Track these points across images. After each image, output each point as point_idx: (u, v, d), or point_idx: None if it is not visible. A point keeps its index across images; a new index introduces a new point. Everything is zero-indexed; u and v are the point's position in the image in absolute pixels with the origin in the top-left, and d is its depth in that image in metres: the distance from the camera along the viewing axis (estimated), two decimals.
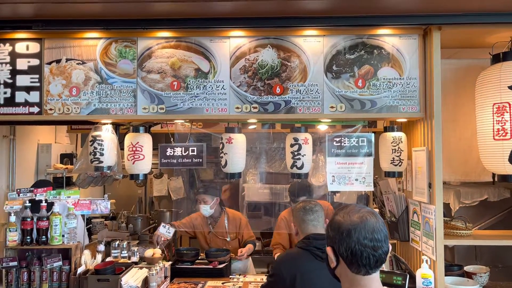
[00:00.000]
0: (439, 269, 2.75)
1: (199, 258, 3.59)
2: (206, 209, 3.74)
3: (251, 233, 3.84)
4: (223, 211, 3.86)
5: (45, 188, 3.06)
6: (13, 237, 2.90)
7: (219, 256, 3.48)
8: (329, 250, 1.43)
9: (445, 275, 2.79)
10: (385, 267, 2.95)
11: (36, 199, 2.99)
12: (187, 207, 4.81)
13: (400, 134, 3.10)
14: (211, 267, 3.37)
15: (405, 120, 3.20)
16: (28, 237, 2.93)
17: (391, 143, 3.07)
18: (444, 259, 2.77)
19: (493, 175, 3.00)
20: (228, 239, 3.78)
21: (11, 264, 2.87)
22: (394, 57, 2.91)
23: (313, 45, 2.94)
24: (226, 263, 3.44)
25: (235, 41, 2.95)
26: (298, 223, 2.53)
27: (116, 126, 3.40)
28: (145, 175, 3.20)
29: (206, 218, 3.84)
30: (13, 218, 2.92)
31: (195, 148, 3.28)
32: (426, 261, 2.75)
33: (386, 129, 3.15)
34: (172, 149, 3.28)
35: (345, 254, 1.38)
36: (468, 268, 3.09)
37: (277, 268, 2.37)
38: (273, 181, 4.21)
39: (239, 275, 3.46)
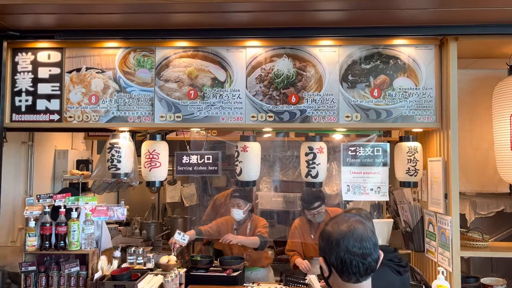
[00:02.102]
0: (455, 281, 2.72)
1: (213, 265, 3.60)
2: (239, 214, 3.75)
3: (262, 231, 3.74)
4: (249, 218, 3.87)
5: (64, 194, 3.11)
6: (33, 242, 2.95)
7: (233, 264, 3.49)
8: (321, 260, 1.46)
9: (461, 287, 2.77)
10: None
11: (56, 205, 3.04)
12: (200, 213, 4.83)
13: (416, 144, 3.09)
14: (225, 274, 3.38)
15: (420, 130, 3.19)
16: (47, 242, 2.97)
17: (407, 153, 3.06)
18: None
19: (511, 186, 2.98)
20: None
21: (30, 268, 2.92)
22: (410, 67, 2.92)
23: (328, 55, 2.96)
24: (240, 271, 3.45)
25: (251, 51, 2.99)
26: None
27: (133, 133, 3.45)
28: (161, 182, 3.24)
29: (233, 223, 3.84)
30: (32, 224, 2.98)
31: (210, 156, 3.31)
32: (442, 272, 2.72)
33: (401, 139, 3.14)
34: (188, 157, 3.31)
35: (335, 263, 1.40)
36: (484, 280, 3.06)
37: None
38: (286, 190, 4.21)
39: (253, 283, 3.46)
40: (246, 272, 3.79)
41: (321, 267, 1.47)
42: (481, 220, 3.50)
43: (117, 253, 3.18)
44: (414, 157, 3.05)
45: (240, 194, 3.79)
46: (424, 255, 3.17)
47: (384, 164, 3.13)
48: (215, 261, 3.65)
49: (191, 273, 3.41)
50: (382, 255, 1.47)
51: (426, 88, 2.91)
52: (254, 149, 3.18)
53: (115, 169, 3.12)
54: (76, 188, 4.57)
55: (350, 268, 1.38)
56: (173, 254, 3.41)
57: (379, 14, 2.68)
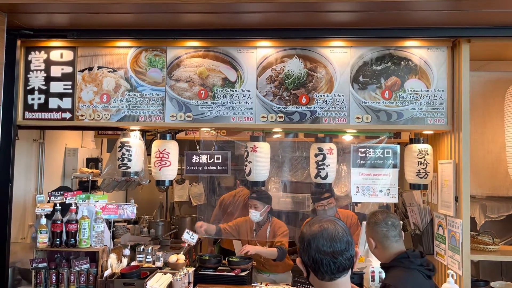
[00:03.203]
0: (465, 285, 2.71)
1: (222, 265, 3.61)
2: (256, 215, 3.73)
3: (283, 241, 3.72)
4: (269, 220, 3.83)
5: (75, 192, 3.14)
6: (44, 239, 2.98)
7: (241, 264, 3.50)
8: (298, 261, 1.52)
9: None
10: None
11: (66, 202, 3.07)
12: (208, 213, 4.85)
13: (426, 146, 3.07)
14: (234, 274, 3.39)
15: (431, 132, 3.17)
16: (58, 239, 3.00)
17: (417, 155, 3.05)
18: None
19: None
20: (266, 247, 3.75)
21: (40, 265, 2.94)
22: (422, 69, 2.91)
23: (339, 56, 2.96)
24: (248, 271, 3.45)
25: (262, 52, 3.00)
26: (380, 239, 2.21)
27: (143, 132, 3.47)
28: (171, 181, 3.25)
29: (253, 224, 3.83)
30: (43, 221, 3.00)
31: (220, 156, 3.31)
32: (452, 275, 2.71)
33: (412, 141, 3.13)
34: (198, 157, 3.32)
35: (309, 262, 1.46)
36: (494, 284, 3.04)
37: None
38: (295, 190, 4.21)
39: (261, 283, 3.46)
40: (263, 275, 3.78)
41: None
42: (491, 223, 3.48)
43: (127, 251, 3.20)
44: (425, 159, 3.04)
45: (258, 195, 3.76)
46: (433, 257, 3.15)
47: (394, 166, 3.12)
48: (224, 261, 3.66)
49: (200, 272, 3.42)
50: (359, 253, 1.51)
51: (437, 90, 2.89)
52: (263, 149, 3.19)
53: (125, 167, 3.14)
54: (85, 186, 4.62)
55: (322, 267, 1.43)
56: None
57: (390, 16, 2.67)
